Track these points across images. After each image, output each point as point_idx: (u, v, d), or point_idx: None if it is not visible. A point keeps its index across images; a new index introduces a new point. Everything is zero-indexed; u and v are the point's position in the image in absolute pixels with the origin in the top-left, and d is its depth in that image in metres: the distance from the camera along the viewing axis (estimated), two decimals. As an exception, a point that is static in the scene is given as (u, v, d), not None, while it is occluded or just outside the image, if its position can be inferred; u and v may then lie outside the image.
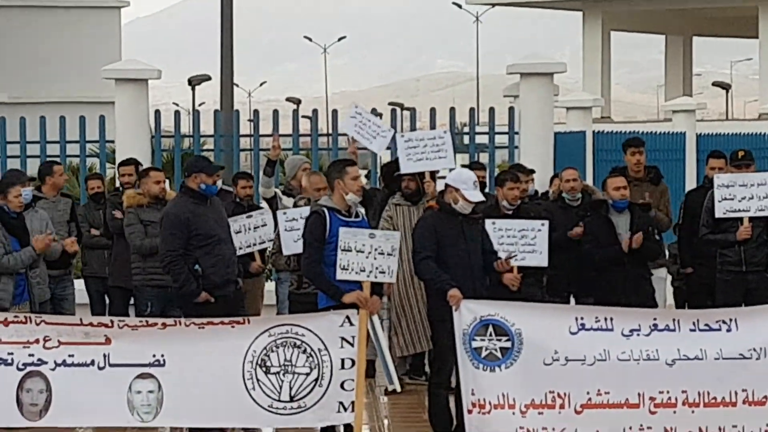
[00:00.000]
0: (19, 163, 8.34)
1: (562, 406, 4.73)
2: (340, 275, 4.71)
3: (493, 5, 39.06)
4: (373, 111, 7.32)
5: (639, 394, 4.67)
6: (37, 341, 4.74)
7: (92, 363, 4.74)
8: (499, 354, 4.74)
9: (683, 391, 4.66)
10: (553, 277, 5.85)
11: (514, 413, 4.73)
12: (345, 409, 4.76)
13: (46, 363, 4.71)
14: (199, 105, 12.83)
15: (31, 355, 4.72)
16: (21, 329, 4.79)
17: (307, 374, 4.74)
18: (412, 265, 5.15)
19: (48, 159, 7.55)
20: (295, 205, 6.02)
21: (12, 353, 4.71)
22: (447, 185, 5.05)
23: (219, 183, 5.54)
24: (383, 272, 4.82)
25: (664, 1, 29.25)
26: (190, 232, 5.19)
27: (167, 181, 6.37)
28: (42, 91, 23.97)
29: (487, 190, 6.30)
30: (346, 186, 4.86)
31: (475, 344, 4.74)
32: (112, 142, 8.60)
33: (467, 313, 4.74)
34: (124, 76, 8.38)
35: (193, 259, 5.17)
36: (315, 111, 10.10)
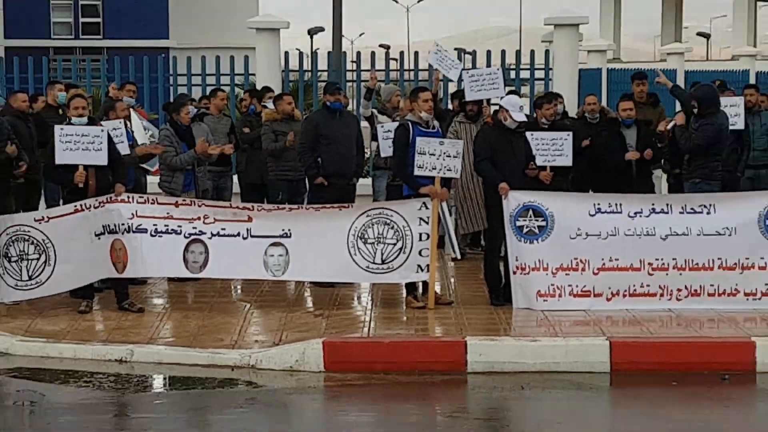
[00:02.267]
0: (186, 90, 10.54)
1: (583, 269, 6.12)
2: (417, 172, 6.09)
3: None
4: (461, 50, 9.42)
5: (640, 261, 6.06)
6: (199, 218, 6.34)
7: (238, 234, 6.34)
8: (536, 230, 6.13)
9: (673, 259, 6.04)
10: (577, 175, 7.08)
11: (546, 274, 6.14)
12: (422, 270, 6.24)
13: (205, 234, 6.33)
14: (316, 49, 15.30)
15: (194, 228, 6.33)
16: (187, 210, 6.39)
17: (395, 244, 6.23)
18: (472, 166, 6.62)
19: (211, 88, 9.51)
20: (393, 121, 7.49)
21: (180, 226, 6.35)
22: (500, 107, 6.41)
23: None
24: (450, 170, 6.19)
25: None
26: (318, 133, 6.95)
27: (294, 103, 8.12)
28: (202, 38, 30.25)
29: (527, 112, 7.55)
30: (419, 106, 6.25)
31: (518, 223, 6.14)
32: (254, 75, 10.79)
33: (513, 200, 6.12)
34: (263, 26, 10.59)
35: (318, 153, 6.91)
36: (401, 53, 13.02)
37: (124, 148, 6.64)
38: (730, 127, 7.09)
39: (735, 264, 6.05)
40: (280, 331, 5.90)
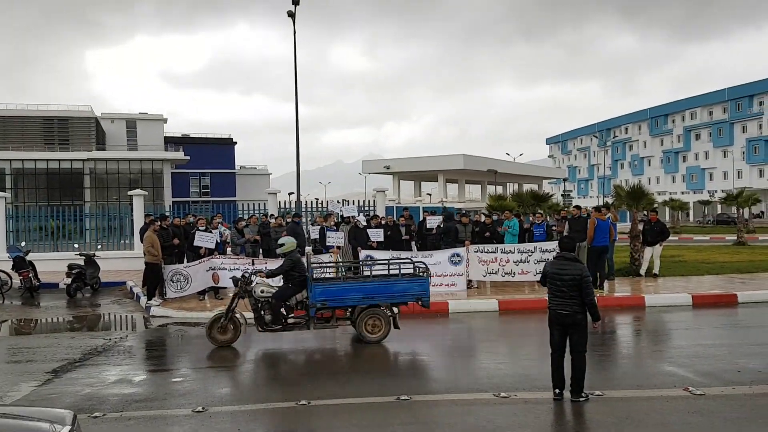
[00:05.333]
0: (242, 214, 21.59)
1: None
2: (328, 243, 16.06)
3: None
4: (344, 200, 20.33)
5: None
6: (245, 264, 16.08)
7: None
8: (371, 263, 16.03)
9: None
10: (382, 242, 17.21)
11: None
12: (330, 281, 16.01)
13: (247, 270, 16.09)
14: (290, 200, 30.79)
15: (244, 267, 16.09)
16: (240, 260, 16.02)
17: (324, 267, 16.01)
18: (347, 239, 16.74)
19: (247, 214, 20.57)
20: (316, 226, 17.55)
21: (239, 267, 15.92)
22: (355, 218, 16.67)
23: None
24: (340, 242, 16.07)
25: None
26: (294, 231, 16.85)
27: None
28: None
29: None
30: (328, 221, 16.43)
31: (366, 261, 16.05)
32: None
33: (363, 253, 15.72)
34: (272, 192, 24.66)
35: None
36: (321, 201, 24.02)
37: (216, 239, 16.48)
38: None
39: (440, 275, 15.82)
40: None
